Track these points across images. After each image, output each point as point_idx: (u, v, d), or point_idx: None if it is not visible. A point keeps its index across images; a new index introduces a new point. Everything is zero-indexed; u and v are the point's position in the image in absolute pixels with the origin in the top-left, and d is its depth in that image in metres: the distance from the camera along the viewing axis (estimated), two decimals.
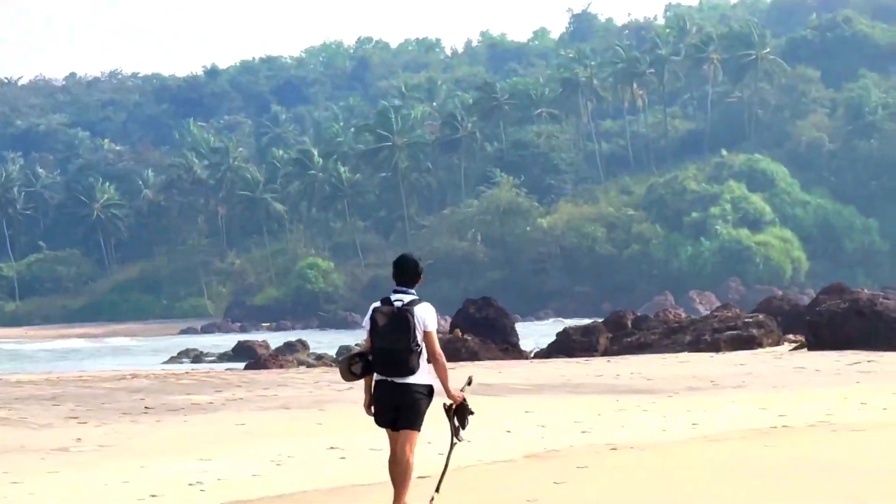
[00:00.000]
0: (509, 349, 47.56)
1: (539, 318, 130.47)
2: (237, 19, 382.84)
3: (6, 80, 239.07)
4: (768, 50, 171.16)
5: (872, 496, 14.04)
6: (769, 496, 14.46)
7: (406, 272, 12.43)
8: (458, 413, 12.50)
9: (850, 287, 46.61)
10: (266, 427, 21.21)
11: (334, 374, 31.15)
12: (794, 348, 38.53)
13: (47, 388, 33.40)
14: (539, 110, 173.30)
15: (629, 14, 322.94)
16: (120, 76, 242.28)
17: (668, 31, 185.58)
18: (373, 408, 12.71)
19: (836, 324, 36.97)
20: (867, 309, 36.97)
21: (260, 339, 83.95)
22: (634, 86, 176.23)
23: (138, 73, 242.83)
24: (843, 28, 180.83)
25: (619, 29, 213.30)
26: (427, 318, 12.13)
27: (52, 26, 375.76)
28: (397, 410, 12.35)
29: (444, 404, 12.41)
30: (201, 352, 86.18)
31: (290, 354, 68.56)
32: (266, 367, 50.70)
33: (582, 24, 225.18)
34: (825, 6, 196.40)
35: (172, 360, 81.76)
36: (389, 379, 12.18)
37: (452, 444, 12.85)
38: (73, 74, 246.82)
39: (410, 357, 12.05)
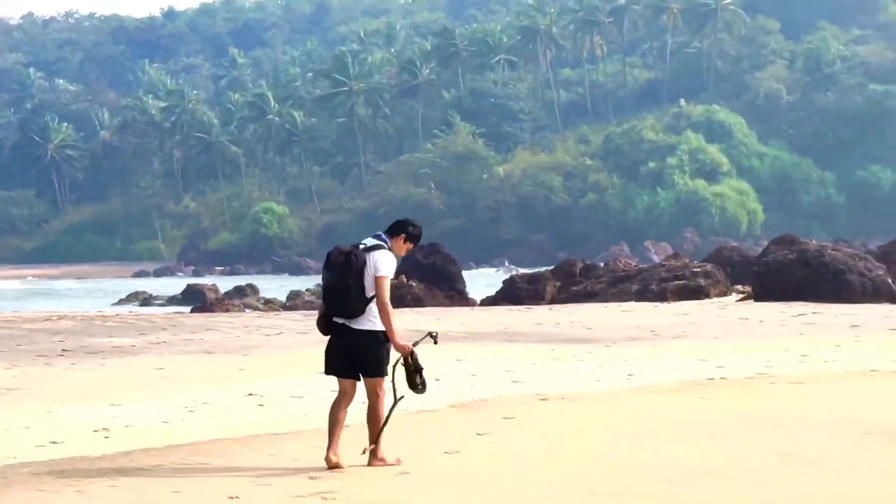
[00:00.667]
0: (455, 296, 47.17)
1: (494, 267, 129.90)
2: None
3: None
4: (728, 0, 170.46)
5: (803, 449, 13.81)
6: (696, 448, 14.13)
7: (392, 223, 12.88)
8: (405, 367, 12.55)
9: (804, 239, 45.83)
10: (185, 372, 20.56)
11: (267, 318, 30.62)
12: (741, 299, 38.17)
13: None
14: (498, 58, 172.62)
15: None
16: (77, 16, 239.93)
17: None
18: (325, 354, 12.86)
19: (783, 274, 36.66)
20: (814, 260, 36.65)
21: (210, 284, 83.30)
22: (594, 35, 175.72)
23: (95, 14, 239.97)
24: None
25: None
26: (381, 262, 12.27)
27: None
28: (347, 356, 12.52)
29: (394, 345, 12.33)
30: (150, 295, 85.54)
31: (239, 299, 68.03)
32: (212, 311, 49.74)
33: None
34: None
35: (121, 302, 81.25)
36: (341, 321, 12.40)
37: (396, 400, 12.76)
38: (29, 14, 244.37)
39: (350, 297, 12.21)
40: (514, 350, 24.35)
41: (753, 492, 11.90)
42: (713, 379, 20.45)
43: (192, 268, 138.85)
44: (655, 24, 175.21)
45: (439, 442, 13.81)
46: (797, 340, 26.16)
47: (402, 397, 12.85)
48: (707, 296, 39.05)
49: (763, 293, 36.84)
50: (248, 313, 44.06)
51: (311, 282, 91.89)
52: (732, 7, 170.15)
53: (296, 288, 78.94)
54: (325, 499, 11.59)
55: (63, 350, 23.75)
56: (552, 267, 55.87)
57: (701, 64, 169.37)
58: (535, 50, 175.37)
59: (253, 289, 77.15)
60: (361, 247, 12.39)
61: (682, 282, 39.92)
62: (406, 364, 12.56)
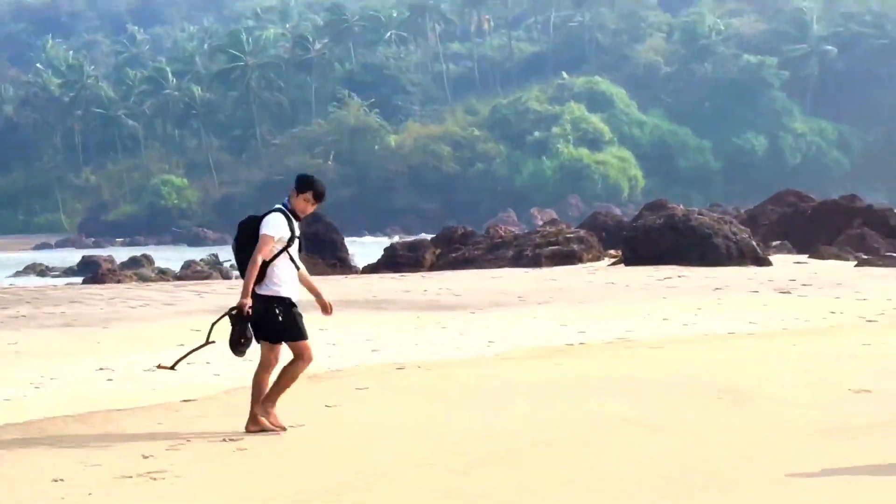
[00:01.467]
0: (337, 264, 46.39)
1: (386, 235, 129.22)
2: None
3: None
4: None
5: (649, 414, 13.59)
6: (544, 416, 13.63)
7: (299, 178, 12.71)
8: (234, 321, 12.32)
9: (673, 203, 45.41)
10: (40, 347, 19.46)
11: (137, 289, 29.55)
12: (612, 263, 37.74)
13: None
14: (388, 33, 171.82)
15: None
16: None
17: None
18: None
19: (652, 239, 36.34)
20: (681, 224, 36.28)
21: (106, 255, 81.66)
22: (481, 10, 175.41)
23: None
24: None
25: None
26: (265, 223, 12.20)
27: None
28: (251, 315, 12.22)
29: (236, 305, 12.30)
30: (47, 266, 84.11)
31: (134, 269, 66.73)
32: (104, 282, 48.47)
33: None
34: None
35: (17, 274, 79.53)
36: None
37: (204, 343, 12.88)
38: None
39: (242, 264, 12.34)
40: (379, 318, 23.47)
41: (590, 459, 11.49)
42: (572, 344, 19.95)
43: (93, 239, 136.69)
44: None
45: (285, 416, 12.98)
46: (660, 304, 25.71)
47: (212, 342, 12.75)
48: (580, 260, 38.60)
49: (633, 258, 36.48)
50: (127, 285, 42.40)
51: (206, 252, 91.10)
52: None
53: (191, 257, 77.86)
54: (155, 479, 10.94)
55: None
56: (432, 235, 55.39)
57: (583, 37, 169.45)
58: (424, 25, 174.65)
59: (148, 259, 76.00)
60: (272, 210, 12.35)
61: (556, 248, 39.37)
62: (234, 319, 12.30)
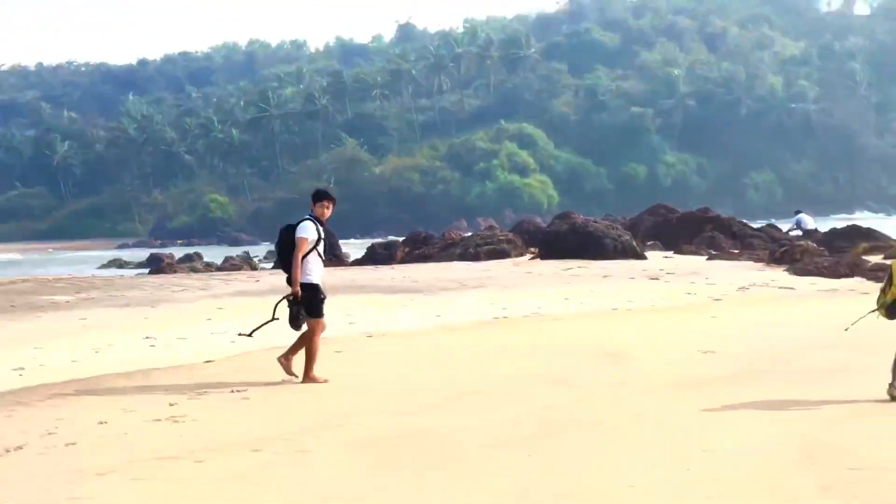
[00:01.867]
0: (334, 259, 45.93)
1: (373, 238, 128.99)
2: (162, 19, 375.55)
3: None
4: (533, 50, 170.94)
5: (554, 370, 13.29)
6: (475, 372, 13.46)
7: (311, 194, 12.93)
8: (290, 304, 12.36)
9: (576, 214, 45.14)
10: (102, 321, 18.90)
11: (180, 278, 28.95)
12: (532, 258, 37.22)
13: None
14: (375, 91, 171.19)
15: (438, 24, 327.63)
16: (76, 63, 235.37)
17: (464, 36, 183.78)
18: None
19: (560, 240, 36.05)
20: (581, 229, 36.07)
21: (168, 253, 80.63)
22: (441, 75, 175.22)
23: (90, 62, 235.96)
24: (584, 36, 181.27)
25: (431, 35, 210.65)
26: (299, 229, 12.32)
27: (21, 22, 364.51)
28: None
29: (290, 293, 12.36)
30: (124, 261, 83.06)
31: (187, 263, 65.87)
32: (163, 273, 47.70)
33: (406, 32, 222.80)
34: (572, 20, 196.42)
35: (102, 267, 78.37)
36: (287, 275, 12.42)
37: (269, 320, 12.85)
38: (40, 63, 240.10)
39: (284, 259, 12.48)
40: (356, 299, 22.97)
41: (509, 405, 11.26)
42: (498, 318, 19.60)
43: (160, 241, 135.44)
44: (483, 66, 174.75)
45: (279, 373, 12.62)
46: (564, 288, 25.21)
47: (276, 319, 12.75)
48: (509, 256, 38.12)
49: (546, 254, 36.08)
50: (186, 274, 41.25)
51: (241, 250, 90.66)
52: (535, 55, 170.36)
53: (230, 254, 77.08)
54: (176, 421, 10.64)
55: (11, 306, 21.60)
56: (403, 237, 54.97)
57: (515, 95, 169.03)
58: (401, 86, 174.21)
59: (199, 255, 74.69)
60: (305, 218, 12.51)
61: (491, 246, 38.96)
62: (290, 303, 12.33)
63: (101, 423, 10.42)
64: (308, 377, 12.57)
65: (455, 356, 14.74)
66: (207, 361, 14.14)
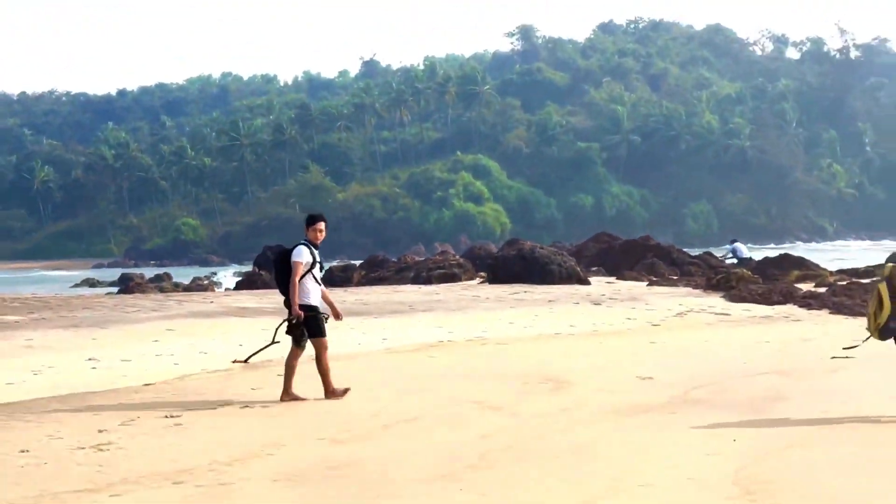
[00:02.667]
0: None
1: (336, 261, 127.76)
2: (140, 52, 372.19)
3: None
4: (488, 87, 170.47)
5: (492, 397, 12.47)
6: (416, 397, 12.39)
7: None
8: (291, 324, 12.14)
9: (523, 241, 44.27)
10: (48, 342, 17.64)
11: (134, 298, 27.56)
12: (481, 282, 36.39)
13: None
14: (339, 123, 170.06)
15: (400, 61, 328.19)
16: (56, 93, 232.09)
17: (424, 73, 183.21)
18: None
19: (508, 265, 35.28)
20: (528, 255, 35.32)
21: (139, 273, 79.02)
22: (402, 108, 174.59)
23: (70, 91, 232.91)
24: (536, 74, 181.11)
25: (393, 71, 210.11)
26: (294, 254, 12.07)
27: (4, 52, 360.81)
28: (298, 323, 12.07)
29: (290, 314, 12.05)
30: (97, 280, 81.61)
31: (156, 283, 64.40)
32: (132, 293, 46.25)
33: (370, 68, 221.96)
34: (525, 59, 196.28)
35: (76, 286, 76.67)
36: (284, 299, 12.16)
37: (270, 343, 12.80)
38: (23, 91, 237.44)
39: (281, 283, 12.19)
40: None
41: (445, 434, 10.36)
42: (443, 341, 18.72)
43: (133, 262, 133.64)
44: (441, 101, 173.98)
45: (218, 396, 11.70)
46: (509, 312, 24.46)
47: (277, 342, 12.63)
48: (459, 280, 37.31)
49: (495, 278, 35.27)
50: (150, 294, 39.78)
51: (210, 271, 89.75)
52: (490, 91, 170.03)
53: (199, 275, 75.76)
54: (101, 450, 9.62)
55: None
56: (362, 261, 54.00)
57: (471, 128, 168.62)
58: (364, 118, 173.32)
59: (168, 276, 73.26)
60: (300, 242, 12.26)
61: (443, 270, 38.14)
62: (291, 325, 12.11)
63: (23, 451, 9.44)
64: (330, 394, 12.30)
65: (395, 380, 13.89)
66: (147, 384, 13.14)
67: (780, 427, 10.61)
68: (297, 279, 11.94)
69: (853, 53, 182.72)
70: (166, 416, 11.03)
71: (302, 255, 12.05)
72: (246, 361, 12.74)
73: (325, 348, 12.31)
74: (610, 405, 11.89)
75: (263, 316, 21.58)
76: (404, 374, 14.48)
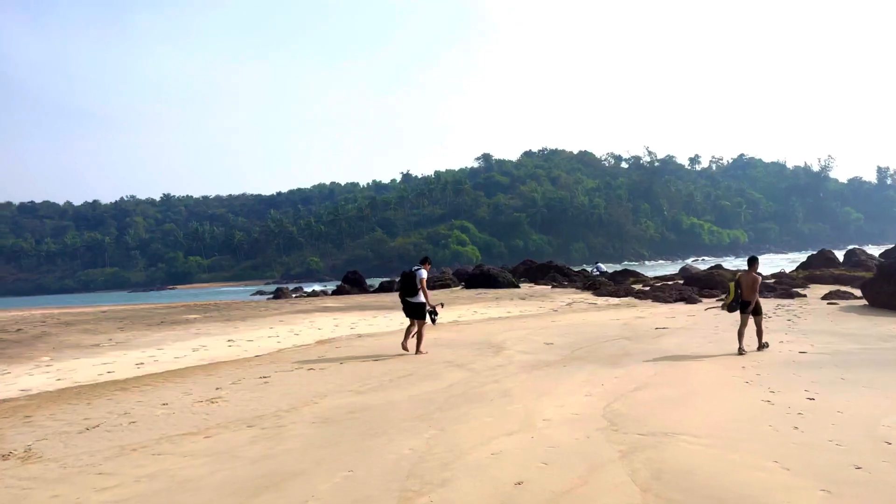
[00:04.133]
0: (360, 290, 42.95)
1: (390, 278, 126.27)
2: (286, 168, 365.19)
3: None
4: (467, 185, 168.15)
5: (460, 354, 10.31)
6: (409, 362, 10.50)
7: (419, 261, 11.41)
8: (431, 312, 11.06)
9: (484, 265, 42.42)
10: (209, 330, 15.62)
11: (278, 303, 25.46)
12: (462, 288, 34.44)
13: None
14: (391, 205, 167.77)
15: (421, 173, 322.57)
16: (248, 194, 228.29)
17: (434, 179, 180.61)
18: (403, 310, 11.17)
19: (475, 278, 33.59)
20: (486, 272, 33.78)
21: (286, 286, 74.61)
22: (424, 198, 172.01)
23: (251, 192, 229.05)
24: (492, 178, 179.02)
25: (419, 178, 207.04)
26: (421, 273, 10.98)
27: (216, 166, 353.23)
28: (410, 311, 11.03)
29: (427, 307, 11.00)
30: (264, 290, 76.90)
31: (295, 292, 61.24)
32: (279, 298, 42.89)
33: (406, 177, 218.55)
34: (486, 170, 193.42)
35: (253, 294, 71.97)
36: (407, 298, 11.08)
37: (433, 322, 11.27)
38: (230, 193, 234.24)
39: (411, 287, 11.03)
40: (359, 313, 19.59)
41: (426, 384, 8.63)
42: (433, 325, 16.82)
43: (286, 281, 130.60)
44: (444, 193, 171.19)
45: (296, 363, 10.04)
46: (475, 305, 22.54)
47: (434, 321, 11.24)
48: (449, 287, 35.49)
49: (468, 286, 33.74)
50: (290, 299, 35.32)
51: (321, 285, 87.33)
52: (468, 188, 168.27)
53: (317, 288, 72.58)
54: (212, 402, 7.94)
55: (161, 322, 17.75)
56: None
57: (459, 207, 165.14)
58: (404, 204, 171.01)
59: (300, 288, 69.01)
60: (414, 268, 11.17)
61: (442, 282, 36.21)
62: (431, 312, 11.06)
63: (164, 404, 7.87)
64: (419, 351, 11.11)
65: (398, 350, 12.10)
66: (257, 356, 11.54)
67: (629, 375, 9.05)
68: (425, 286, 11.00)
69: (655, 163, 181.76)
70: (261, 377, 9.45)
71: (425, 275, 11.04)
72: (433, 322, 11.32)
73: (426, 327, 11.46)
74: (527, 362, 10.32)
75: (336, 312, 20.03)
76: (410, 346, 12.82)
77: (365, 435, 6.37)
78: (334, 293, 39.74)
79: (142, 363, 10.88)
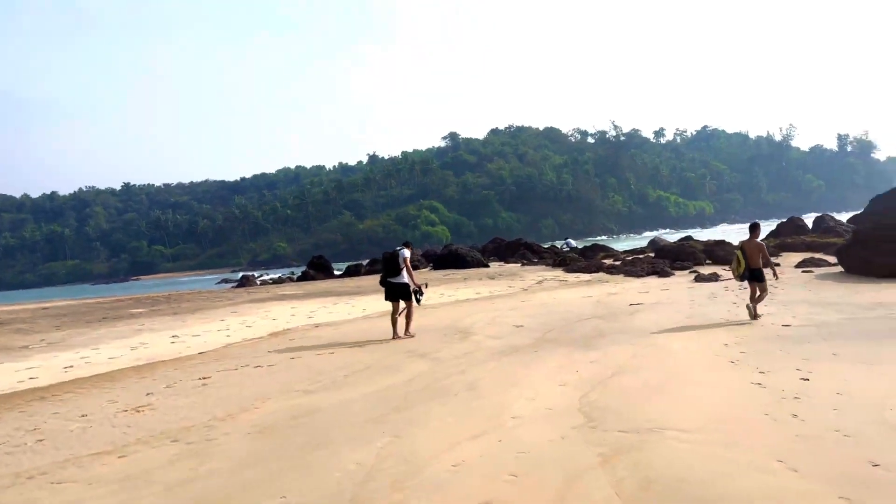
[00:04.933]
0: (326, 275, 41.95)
1: (360, 261, 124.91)
2: (249, 152, 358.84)
3: None
4: (435, 165, 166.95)
5: (423, 342, 9.37)
6: (375, 347, 9.58)
7: (400, 244, 11.08)
8: (417, 291, 10.78)
9: (454, 245, 41.55)
10: (153, 326, 14.31)
11: (234, 292, 24.16)
12: (429, 269, 33.66)
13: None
14: (358, 188, 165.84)
15: (389, 154, 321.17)
16: (210, 180, 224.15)
17: (401, 159, 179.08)
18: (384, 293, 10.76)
19: (445, 259, 32.81)
20: (454, 251, 33.03)
21: (251, 273, 73.34)
22: (391, 179, 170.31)
23: (215, 179, 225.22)
24: (459, 157, 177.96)
25: (386, 159, 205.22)
26: (404, 253, 10.61)
27: (176, 151, 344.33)
28: (393, 293, 10.55)
29: (412, 287, 10.63)
30: (229, 279, 74.75)
31: (260, 279, 59.77)
32: (247, 285, 41.63)
33: (373, 159, 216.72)
34: (453, 149, 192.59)
35: (218, 283, 70.19)
36: (390, 279, 10.60)
37: (418, 302, 10.95)
38: (192, 181, 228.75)
39: (395, 267, 10.53)
40: (319, 300, 18.54)
41: (384, 378, 7.73)
42: None
43: (252, 268, 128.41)
44: (412, 173, 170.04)
45: (243, 360, 9.11)
46: (441, 287, 21.55)
47: (419, 301, 10.97)
48: (419, 268, 34.61)
49: (436, 266, 32.86)
50: (251, 287, 34.52)
51: (289, 271, 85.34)
52: (436, 167, 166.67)
53: (284, 274, 70.78)
54: (138, 411, 7.01)
55: (103, 318, 16.05)
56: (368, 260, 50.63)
57: (427, 187, 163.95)
58: (371, 185, 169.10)
59: (266, 274, 68.15)
60: (397, 248, 10.82)
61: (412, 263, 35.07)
62: (416, 291, 10.78)
63: (83, 415, 6.87)
64: (408, 332, 10.64)
65: (362, 339, 11.27)
66: (201, 353, 10.53)
67: (605, 358, 8.31)
68: (409, 266, 10.56)
69: (622, 137, 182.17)
70: (200, 378, 8.46)
71: (408, 254, 10.67)
72: (419, 303, 11.01)
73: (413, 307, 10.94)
74: (496, 348, 9.51)
75: (295, 300, 18.87)
76: (369, 334, 11.89)
77: (306, 447, 5.48)
78: (299, 279, 38.58)
79: (71, 366, 9.74)
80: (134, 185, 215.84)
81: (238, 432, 6.06)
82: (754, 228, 10.71)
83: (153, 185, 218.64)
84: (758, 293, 10.53)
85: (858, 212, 27.45)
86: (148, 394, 7.72)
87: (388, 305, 16.82)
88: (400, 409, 6.53)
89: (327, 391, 7.44)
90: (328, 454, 5.28)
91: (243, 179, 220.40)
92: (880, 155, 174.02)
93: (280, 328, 12.74)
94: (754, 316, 10.24)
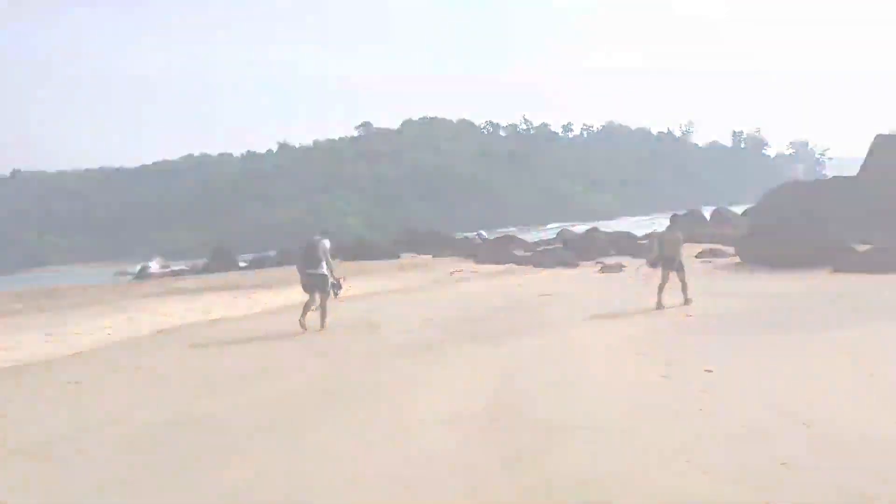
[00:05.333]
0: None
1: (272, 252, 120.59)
2: (153, 138, 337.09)
3: None
4: (348, 154, 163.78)
5: (325, 339, 8.83)
6: (272, 346, 8.96)
7: (319, 232, 10.52)
8: (335, 285, 10.28)
9: (364, 239, 40.70)
10: (30, 324, 12.24)
11: (144, 285, 21.75)
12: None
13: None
14: (265, 178, 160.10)
15: (299, 143, 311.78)
16: (108, 168, 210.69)
17: (314, 149, 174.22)
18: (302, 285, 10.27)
19: (356, 249, 31.42)
20: (366, 243, 32.00)
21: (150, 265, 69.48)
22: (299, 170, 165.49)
23: (113, 166, 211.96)
24: (373, 147, 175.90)
25: (296, 148, 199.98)
26: (324, 244, 10.11)
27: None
28: (312, 284, 10.05)
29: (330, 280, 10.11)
30: (127, 272, 70.37)
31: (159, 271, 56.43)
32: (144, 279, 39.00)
33: (284, 147, 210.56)
34: (367, 139, 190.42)
35: (116, 275, 66.19)
36: (309, 270, 10.06)
37: (335, 295, 10.38)
38: (76, 168, 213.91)
39: (316, 259, 10.00)
40: (228, 293, 17.15)
41: (278, 383, 7.12)
42: (349, 295, 15.17)
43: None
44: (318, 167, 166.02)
45: (123, 362, 8.23)
46: (360, 279, 19.47)
47: (337, 294, 10.43)
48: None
49: (348, 257, 31.40)
50: (151, 280, 30.45)
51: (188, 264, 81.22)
52: (348, 156, 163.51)
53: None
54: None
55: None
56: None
57: (336, 176, 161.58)
58: (283, 178, 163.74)
59: (168, 265, 63.75)
60: (316, 237, 10.17)
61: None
62: (335, 284, 10.27)
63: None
64: (323, 327, 10.13)
65: (263, 336, 10.43)
66: (76, 353, 9.48)
67: (512, 354, 8.09)
68: (329, 257, 10.09)
69: (532, 131, 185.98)
70: (70, 383, 7.54)
71: (328, 244, 10.19)
72: (336, 297, 10.42)
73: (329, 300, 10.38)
74: (403, 344, 9.09)
75: (191, 294, 17.48)
76: (267, 331, 10.68)
77: (177, 468, 4.84)
78: (200, 272, 36.87)
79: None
80: (24, 171, 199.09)
81: (107, 445, 5.32)
82: (674, 220, 11.38)
83: (46, 171, 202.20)
84: (679, 282, 10.96)
85: (752, 205, 28.96)
86: (9, 401, 6.77)
87: (298, 298, 15.92)
88: (293, 416, 5.98)
89: (213, 397, 6.76)
90: (197, 475, 4.66)
91: (143, 167, 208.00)
92: (771, 151, 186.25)
93: (172, 325, 11.77)
94: (660, 305, 10.45)
